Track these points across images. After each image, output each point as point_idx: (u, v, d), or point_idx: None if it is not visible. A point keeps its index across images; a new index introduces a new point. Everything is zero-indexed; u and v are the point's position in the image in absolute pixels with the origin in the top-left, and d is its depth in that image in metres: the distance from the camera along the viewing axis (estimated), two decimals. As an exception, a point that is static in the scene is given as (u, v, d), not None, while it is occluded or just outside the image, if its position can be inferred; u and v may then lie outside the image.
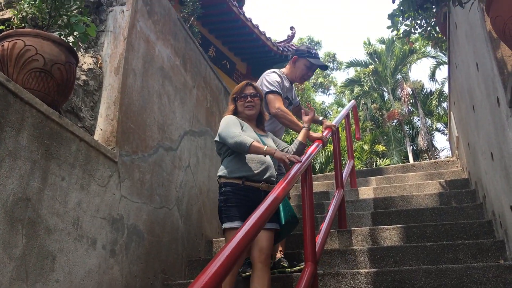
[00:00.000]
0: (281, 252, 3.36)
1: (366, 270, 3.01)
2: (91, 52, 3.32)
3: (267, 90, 3.54)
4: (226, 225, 2.77)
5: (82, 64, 3.16)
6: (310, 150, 3.06)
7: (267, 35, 10.22)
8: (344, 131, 5.81)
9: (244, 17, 9.45)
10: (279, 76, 3.69)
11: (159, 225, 3.46)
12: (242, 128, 2.93)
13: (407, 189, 4.83)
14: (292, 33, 12.53)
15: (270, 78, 3.64)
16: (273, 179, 2.90)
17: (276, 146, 3.08)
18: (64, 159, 2.51)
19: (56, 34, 2.64)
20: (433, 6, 5.30)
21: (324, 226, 3.32)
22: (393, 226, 3.70)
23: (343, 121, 5.24)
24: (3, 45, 2.38)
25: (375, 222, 4.09)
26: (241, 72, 11.02)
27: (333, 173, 6.11)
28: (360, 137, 6.35)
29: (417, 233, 3.59)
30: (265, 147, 2.74)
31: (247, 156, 2.87)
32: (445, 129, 23.47)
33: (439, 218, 3.91)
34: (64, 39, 2.65)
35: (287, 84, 3.75)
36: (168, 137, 3.79)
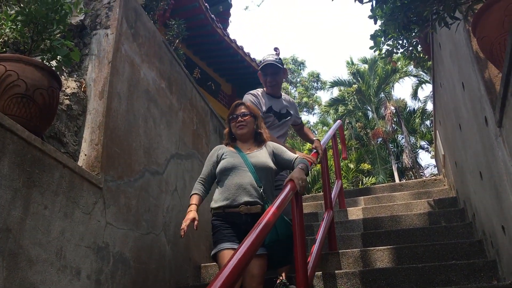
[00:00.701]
0: (280, 277, 3.16)
1: (359, 294, 2.95)
2: (75, 76, 3.26)
3: None
4: (213, 252, 2.76)
5: (66, 89, 3.10)
6: None
7: (252, 56, 10.27)
8: (331, 150, 5.79)
9: (229, 39, 9.50)
10: (253, 95, 3.72)
11: (146, 251, 3.36)
12: (222, 156, 3.00)
13: (396, 209, 4.81)
14: (276, 53, 12.59)
15: (244, 101, 3.63)
16: (252, 200, 2.80)
17: (276, 157, 3.03)
18: (47, 187, 2.43)
19: (38, 58, 2.59)
20: (417, 27, 5.38)
21: (314, 249, 3.27)
22: (384, 247, 3.66)
23: (330, 141, 5.23)
24: (-16, 70, 2.31)
25: (366, 243, 4.04)
26: (226, 93, 11.02)
27: (321, 193, 6.08)
28: (346, 156, 6.35)
29: (408, 254, 3.55)
30: (191, 205, 2.85)
31: (225, 183, 2.88)
32: (428, 146, 23.75)
33: (429, 238, 3.88)
34: (47, 63, 2.59)
35: (265, 99, 3.74)
36: (154, 161, 3.72)
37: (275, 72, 3.75)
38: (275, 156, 3.06)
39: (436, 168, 24.57)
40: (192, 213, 2.77)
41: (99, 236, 2.82)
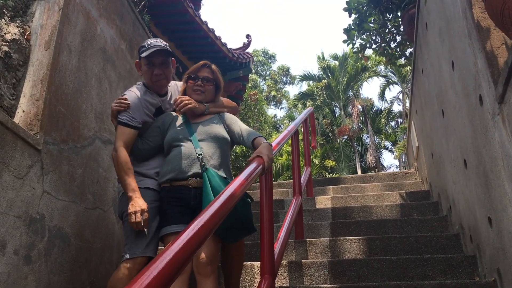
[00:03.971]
0: None
1: (328, 286, 2.66)
2: (18, 21, 2.80)
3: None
4: (160, 234, 2.38)
5: (5, 34, 2.65)
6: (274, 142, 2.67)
7: (223, 41, 9.88)
8: (302, 135, 5.48)
9: (200, 20, 9.07)
10: (137, 89, 2.66)
11: (91, 228, 2.96)
12: (168, 127, 2.57)
13: (367, 200, 4.56)
14: (248, 40, 12.27)
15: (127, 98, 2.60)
16: (197, 171, 2.39)
17: (228, 128, 2.60)
18: (-32, 140, 2.00)
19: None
20: (398, 9, 5.15)
21: (281, 235, 2.94)
22: (354, 237, 3.40)
23: (301, 127, 4.93)
24: None
25: (334, 233, 3.76)
26: (193, 77, 10.58)
27: (288, 181, 5.78)
28: (316, 146, 6.07)
29: (380, 245, 3.30)
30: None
31: (171, 155, 2.47)
32: (392, 147, 23.98)
33: (401, 230, 3.64)
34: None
35: (151, 97, 2.67)
36: (108, 128, 3.31)
37: (165, 62, 2.65)
38: (227, 127, 2.62)
39: (397, 168, 24.94)
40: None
41: (33, 205, 2.40)
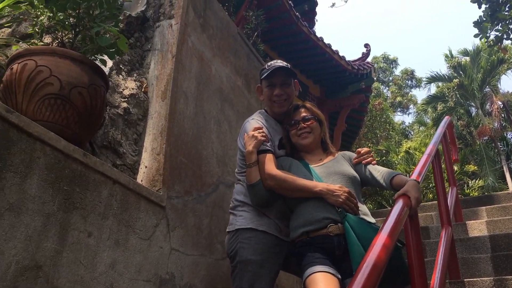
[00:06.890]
0: None
1: None
2: (135, 75, 2.81)
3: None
4: (304, 277, 2.00)
5: (123, 90, 2.65)
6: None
7: (340, 54, 9.53)
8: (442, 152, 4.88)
9: (315, 37, 8.88)
10: (261, 117, 2.47)
11: (223, 280, 2.81)
12: (290, 169, 2.26)
13: (532, 223, 3.84)
14: (367, 50, 11.77)
15: (247, 128, 2.39)
16: (339, 217, 2.07)
17: (356, 169, 2.31)
18: (92, 209, 1.95)
19: (83, 52, 2.13)
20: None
21: (436, 279, 2.50)
22: (527, 276, 2.79)
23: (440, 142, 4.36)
24: (12, 68, 1.90)
25: (498, 268, 3.17)
26: (314, 95, 10.38)
27: (430, 203, 5.19)
28: (458, 158, 5.40)
29: None
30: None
31: (304, 203, 2.16)
32: (546, 144, 21.16)
33: None
34: (94, 58, 2.14)
35: (274, 126, 2.44)
36: (231, 170, 3.17)
37: (285, 82, 2.42)
38: (353, 166, 2.34)
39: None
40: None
41: (161, 266, 2.31)
